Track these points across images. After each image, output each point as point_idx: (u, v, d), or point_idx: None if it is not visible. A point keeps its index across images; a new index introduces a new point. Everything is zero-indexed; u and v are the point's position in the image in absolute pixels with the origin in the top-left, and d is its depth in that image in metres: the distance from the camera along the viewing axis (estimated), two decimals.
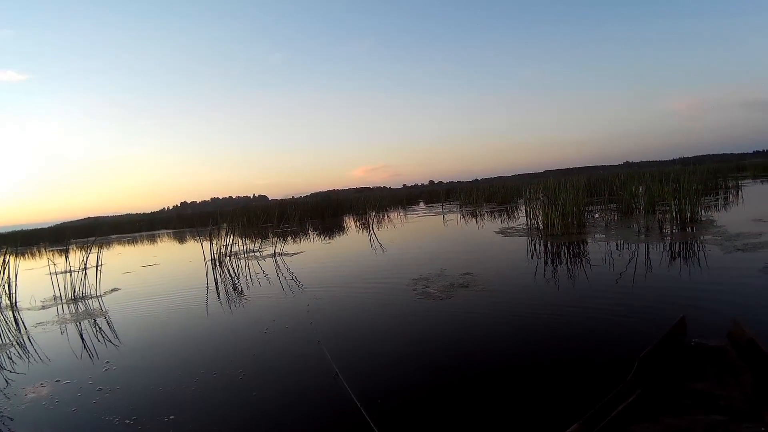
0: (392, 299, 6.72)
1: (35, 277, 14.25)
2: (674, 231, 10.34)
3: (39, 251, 27.70)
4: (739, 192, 20.17)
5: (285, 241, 17.69)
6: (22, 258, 23.34)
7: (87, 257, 10.11)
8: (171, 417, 3.63)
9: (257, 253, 14.31)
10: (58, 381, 4.70)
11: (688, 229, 10.39)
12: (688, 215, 11.44)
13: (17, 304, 9.28)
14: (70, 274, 9.84)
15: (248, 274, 10.43)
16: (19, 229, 50.83)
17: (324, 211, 31.39)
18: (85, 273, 10.03)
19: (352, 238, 17.17)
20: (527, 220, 13.32)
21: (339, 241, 16.37)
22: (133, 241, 30.16)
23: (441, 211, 26.56)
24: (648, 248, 8.64)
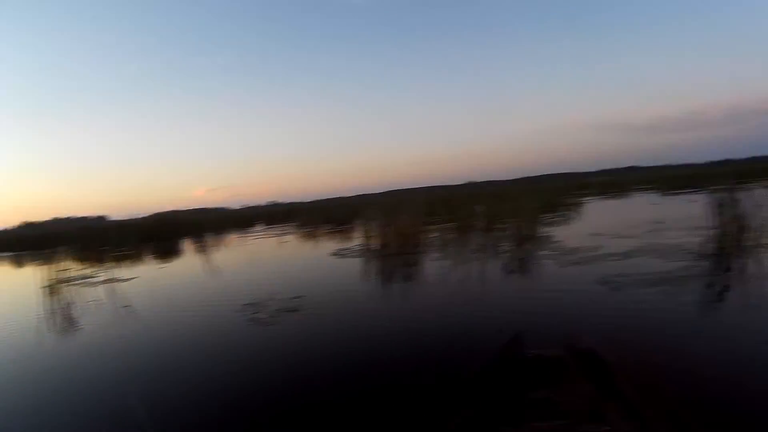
0: (221, 326, 6.47)
1: None
2: (511, 248, 10.57)
3: None
4: (580, 209, 21.49)
5: (121, 265, 16.55)
6: None
7: None
8: None
9: (92, 279, 13.21)
10: None
11: (526, 246, 10.65)
12: (526, 233, 11.72)
13: None
14: None
15: (77, 304, 9.36)
16: None
17: (162, 233, 30.29)
18: None
19: (189, 261, 16.62)
20: (364, 241, 13.02)
21: (175, 265, 15.76)
22: None
23: (279, 232, 26.18)
24: (484, 265, 8.79)
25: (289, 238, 21.42)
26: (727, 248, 7.98)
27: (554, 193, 23.33)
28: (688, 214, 13.16)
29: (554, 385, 3.10)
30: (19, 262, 25.40)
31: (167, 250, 21.68)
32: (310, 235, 21.19)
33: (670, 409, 2.91)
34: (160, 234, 29.71)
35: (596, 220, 16.50)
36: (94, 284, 12.02)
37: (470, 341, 4.79)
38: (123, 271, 14.16)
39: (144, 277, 12.63)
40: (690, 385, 3.36)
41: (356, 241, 15.04)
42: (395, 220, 12.17)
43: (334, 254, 12.81)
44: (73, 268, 15.59)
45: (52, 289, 11.18)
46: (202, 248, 20.38)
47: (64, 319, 7.91)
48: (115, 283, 11.62)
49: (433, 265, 9.50)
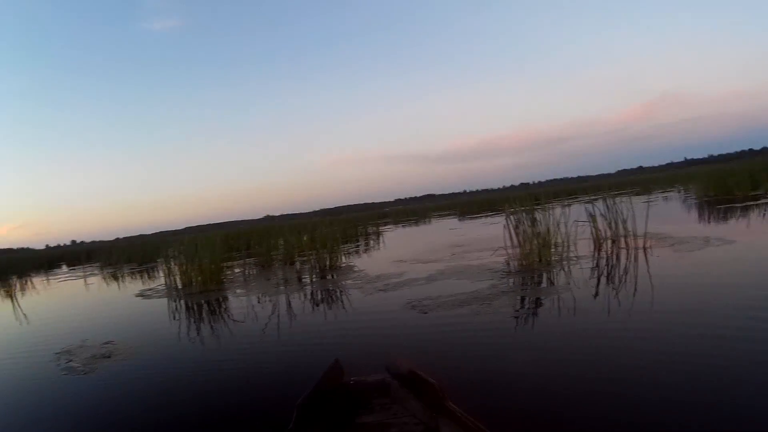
0: (36, 379, 6.13)
1: None
2: (314, 279, 10.71)
3: None
4: (380, 237, 22.23)
5: None
6: None
7: None
8: None
9: None
10: None
11: (329, 276, 10.82)
12: (328, 263, 11.92)
13: None
14: None
15: None
16: None
17: None
18: None
19: None
20: (166, 280, 12.91)
21: None
22: None
23: (83, 273, 24.99)
24: (290, 298, 8.88)
25: (93, 279, 20.48)
26: (531, 264, 8.55)
27: (354, 223, 24.06)
28: (488, 236, 14.02)
29: (383, 408, 3.19)
30: None
31: None
32: (114, 276, 20.43)
33: (500, 418, 3.09)
34: None
35: (398, 248, 17.10)
36: None
37: (288, 375, 4.91)
38: None
39: None
40: (508, 393, 3.65)
41: (160, 280, 14.68)
42: (197, 257, 12.09)
43: (140, 295, 12.46)
44: None
45: None
46: (7, 293, 19.42)
47: None
48: None
49: (239, 301, 9.51)
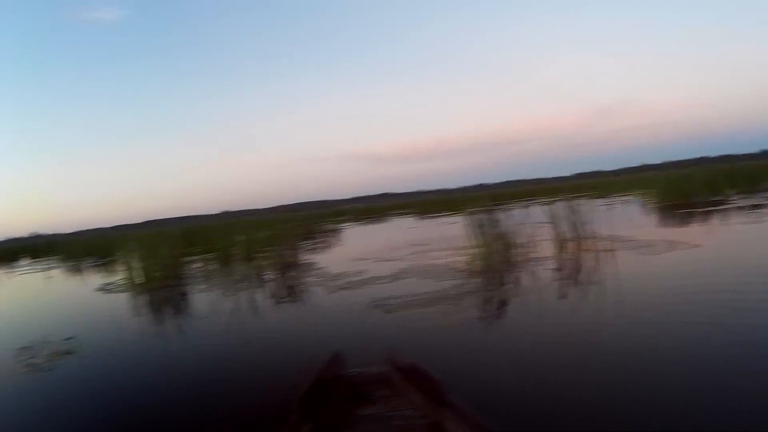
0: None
1: None
2: (275, 276, 10.65)
3: None
4: (339, 235, 22.21)
5: None
6: None
7: None
8: None
9: None
10: None
11: (290, 273, 10.75)
12: (288, 260, 11.90)
13: None
14: None
15: None
16: None
17: None
18: None
19: None
20: (127, 274, 12.53)
21: None
22: None
23: (44, 266, 24.70)
24: (251, 294, 8.84)
25: (54, 273, 20.35)
26: (494, 264, 8.54)
27: (312, 220, 24.02)
28: (448, 236, 14.00)
29: (384, 400, 3.15)
30: None
31: None
32: (75, 270, 20.23)
33: (501, 413, 3.16)
34: None
35: (358, 245, 17.11)
36: None
37: (251, 370, 4.95)
38: None
39: None
40: (481, 394, 3.59)
41: (120, 274, 14.10)
42: (156, 252, 12.07)
43: (100, 290, 12.41)
44: None
45: None
46: None
47: None
48: None
49: (200, 297, 9.50)
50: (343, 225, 30.42)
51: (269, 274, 11.06)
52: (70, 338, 7.26)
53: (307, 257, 13.33)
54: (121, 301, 10.35)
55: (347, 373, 3.50)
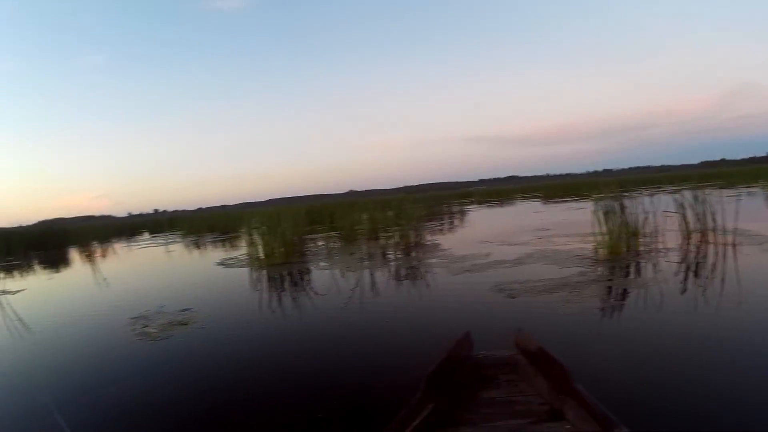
0: (112, 342, 6.17)
1: None
2: (398, 256, 10.60)
3: None
4: (463, 217, 21.74)
5: (8, 276, 15.44)
6: None
7: None
8: None
9: None
10: None
11: (414, 254, 10.64)
12: (412, 240, 11.79)
13: None
14: None
15: None
16: None
17: (48, 242, 29.11)
18: None
19: (77, 271, 15.92)
20: (248, 250, 12.81)
21: (64, 276, 15.10)
22: None
23: (165, 241, 25.66)
24: (373, 273, 8.77)
25: (174, 247, 21.00)
26: (619, 253, 8.22)
27: (438, 201, 23.71)
28: (574, 221, 13.67)
29: (509, 384, 3.16)
30: None
31: (55, 260, 20.38)
32: (196, 245, 20.88)
33: (628, 405, 3.03)
34: (47, 243, 28.55)
35: (482, 228, 16.72)
36: None
37: (370, 349, 4.89)
38: (10, 283, 13.61)
39: (32, 289, 12.00)
40: (602, 384, 3.27)
41: (241, 250, 14.61)
42: (279, 229, 12.11)
43: (221, 264, 12.60)
44: None
45: None
46: (90, 258, 19.62)
47: None
48: (4, 295, 11.27)
49: (322, 274, 9.41)
50: (468, 207, 29.78)
51: (393, 254, 11.00)
52: (186, 310, 7.34)
53: (431, 238, 13.13)
54: (241, 275, 10.48)
55: (475, 354, 3.54)
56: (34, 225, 42.04)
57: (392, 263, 9.83)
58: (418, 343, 4.65)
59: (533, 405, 2.85)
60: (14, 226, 38.78)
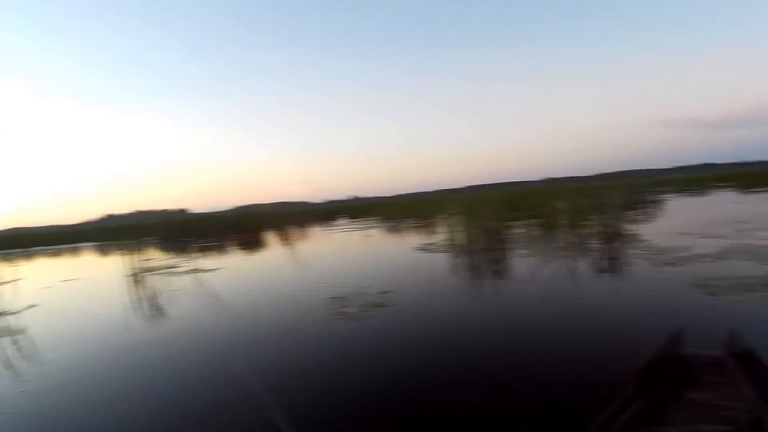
0: (310, 321, 6.33)
1: None
2: (597, 245, 10.28)
3: None
4: (661, 206, 20.35)
5: (205, 256, 17.04)
6: None
7: None
8: None
9: (176, 269, 13.66)
10: None
11: (613, 244, 10.29)
12: (611, 230, 11.40)
13: None
14: None
15: (165, 291, 9.84)
16: None
17: (245, 226, 30.53)
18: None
19: (272, 253, 16.68)
20: (447, 235, 12.94)
21: (259, 257, 15.87)
22: (55, 254, 28.39)
23: (362, 226, 26.18)
24: (573, 263, 8.49)
25: (372, 232, 21.36)
26: None
27: (633, 189, 22.53)
28: None
29: (715, 387, 2.99)
30: (103, 251, 26.38)
31: (250, 242, 22.07)
32: (394, 230, 21.12)
33: None
34: (242, 226, 29.99)
35: (679, 218, 15.84)
36: (179, 274, 12.46)
37: (568, 342, 4.64)
38: (207, 262, 14.57)
39: (228, 268, 12.92)
40: None
41: (440, 236, 14.98)
42: (478, 215, 11.92)
43: (419, 249, 12.68)
44: (157, 258, 16.03)
45: (138, 277, 11.48)
46: (285, 240, 20.43)
47: (153, 308, 8.28)
48: (200, 273, 11.99)
49: (520, 262, 9.24)
50: (664, 196, 27.93)
51: (591, 243, 10.73)
52: (385, 292, 7.53)
53: (629, 228, 12.59)
54: (440, 261, 10.56)
55: (684, 353, 3.49)
56: (230, 210, 44.40)
57: (591, 253, 9.58)
58: (618, 338, 4.61)
59: (737, 412, 2.70)
60: (211, 211, 41.23)
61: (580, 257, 9.11)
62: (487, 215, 11.96)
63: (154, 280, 11.55)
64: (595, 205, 12.49)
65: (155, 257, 16.86)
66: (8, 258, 24.62)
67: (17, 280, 10.32)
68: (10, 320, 8.17)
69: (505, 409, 3.35)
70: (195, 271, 12.72)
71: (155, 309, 8.05)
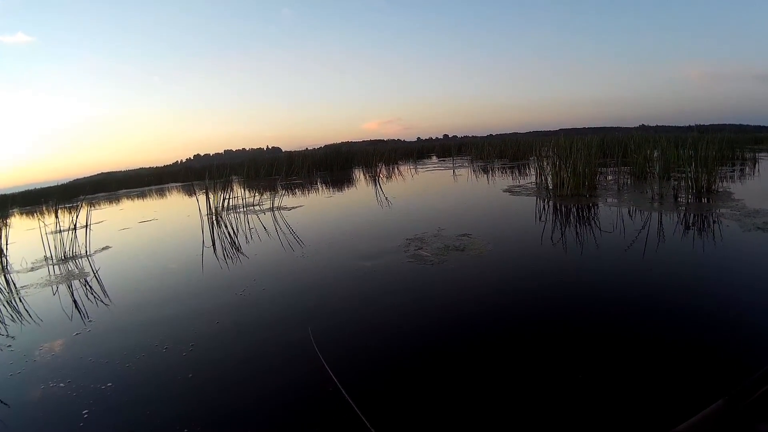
0: (379, 261, 6.30)
1: (34, 237, 13.01)
2: (689, 201, 9.81)
3: (47, 210, 26.00)
4: (756, 165, 19.48)
5: (289, 194, 17.46)
6: (29, 217, 22.64)
7: (77, 216, 9.96)
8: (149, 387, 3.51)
9: (257, 207, 14.09)
10: (41, 346, 4.54)
11: (704, 200, 9.78)
12: (704, 185, 10.88)
13: (8, 266, 8.99)
14: (60, 234, 9.83)
15: (245, 230, 10.20)
16: (33, 188, 49.35)
17: (333, 163, 30.95)
18: (76, 232, 9.84)
19: (357, 191, 16.86)
20: (537, 179, 12.81)
21: (342, 195, 16.05)
22: (140, 195, 29.72)
23: (451, 165, 26.11)
24: (662, 218, 8.09)
25: (461, 171, 21.25)
26: None
27: (728, 143, 21.55)
28: None
29: None
30: (187, 191, 27.37)
31: (337, 180, 22.52)
32: (483, 170, 20.95)
33: None
34: (331, 164, 30.20)
35: None
36: (260, 212, 12.86)
37: (642, 296, 4.40)
38: (290, 200, 15.07)
39: (311, 206, 13.24)
40: None
41: (530, 178, 14.91)
42: (571, 159, 11.74)
43: (507, 191, 12.63)
44: (240, 197, 16.46)
45: (216, 216, 11.76)
46: (373, 178, 20.50)
47: (227, 249, 8.45)
48: (282, 212, 12.44)
49: (608, 211, 8.87)
50: (761, 154, 26.76)
51: (683, 197, 10.27)
52: (464, 235, 7.37)
53: (723, 185, 11.99)
54: (527, 204, 10.31)
55: None
56: (321, 148, 44.44)
57: (681, 207, 9.13)
58: (704, 305, 4.18)
59: None
60: (301, 149, 41.36)
61: (670, 211, 8.70)
62: (581, 160, 11.58)
63: (232, 220, 12.01)
64: (691, 157, 11.85)
65: (238, 196, 17.34)
66: (93, 202, 25.47)
67: (98, 222, 10.65)
68: (84, 263, 8.55)
69: (584, 367, 3.14)
70: (277, 209, 13.15)
71: (229, 250, 8.30)
